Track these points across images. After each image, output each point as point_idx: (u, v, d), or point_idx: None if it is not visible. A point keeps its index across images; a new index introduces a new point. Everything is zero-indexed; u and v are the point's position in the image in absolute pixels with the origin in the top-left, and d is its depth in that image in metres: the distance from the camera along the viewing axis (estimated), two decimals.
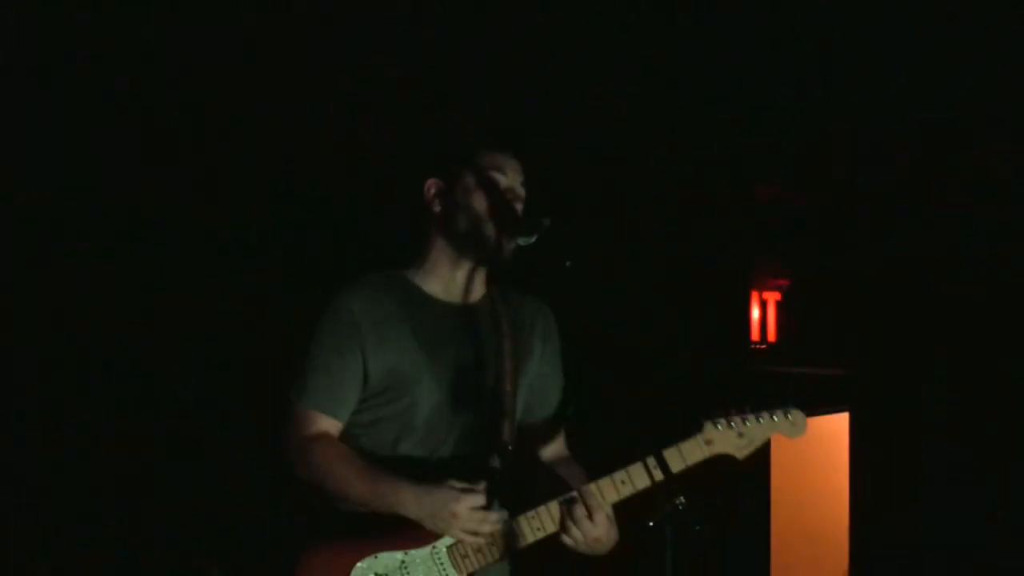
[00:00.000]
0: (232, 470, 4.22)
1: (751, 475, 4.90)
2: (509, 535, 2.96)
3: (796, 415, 3.03)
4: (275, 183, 4.40)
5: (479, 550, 2.97)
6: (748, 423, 3.00)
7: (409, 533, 2.96)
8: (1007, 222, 5.27)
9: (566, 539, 2.92)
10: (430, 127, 4.37)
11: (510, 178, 3.10)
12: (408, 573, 2.95)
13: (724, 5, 4.75)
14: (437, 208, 3.13)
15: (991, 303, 5.29)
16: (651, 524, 2.88)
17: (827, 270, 5.63)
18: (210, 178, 4.35)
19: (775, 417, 3.02)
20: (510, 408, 3.08)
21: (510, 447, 3.07)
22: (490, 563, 2.99)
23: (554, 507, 2.95)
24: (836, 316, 5.56)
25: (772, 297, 5.74)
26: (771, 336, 5.74)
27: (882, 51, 4.81)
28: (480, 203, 3.06)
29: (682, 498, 2.86)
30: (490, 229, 3.04)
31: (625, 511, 2.97)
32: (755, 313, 5.68)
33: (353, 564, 2.95)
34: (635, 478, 2.94)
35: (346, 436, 3.08)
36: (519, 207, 3.09)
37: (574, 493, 2.92)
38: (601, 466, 3.02)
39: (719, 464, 3.00)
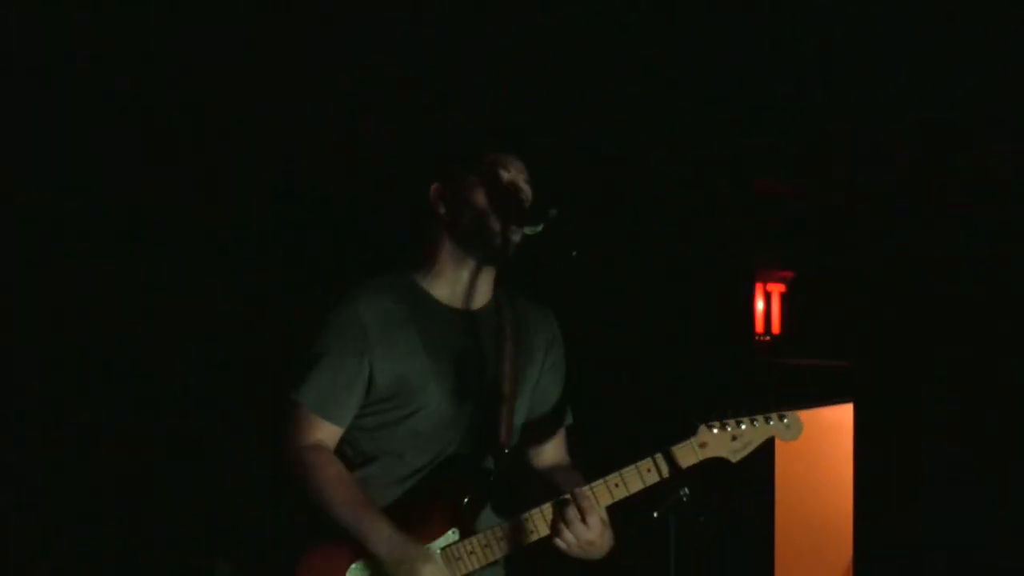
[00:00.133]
0: (232, 470, 4.21)
1: (755, 466, 4.90)
2: (503, 538, 2.96)
3: (792, 418, 3.02)
4: (275, 183, 4.40)
5: (472, 552, 2.96)
6: (743, 426, 2.99)
7: (408, 533, 2.96)
8: (1007, 222, 5.27)
9: (559, 542, 2.91)
10: (431, 127, 4.37)
11: (512, 174, 3.10)
12: (412, 543, 2.95)
13: (724, 5, 4.75)
14: (442, 210, 3.13)
15: (991, 303, 5.29)
16: (655, 515, 2.86)
17: (830, 263, 5.62)
18: (210, 178, 4.35)
19: (770, 420, 3.01)
20: (508, 411, 3.08)
21: (506, 450, 3.06)
22: (484, 566, 2.99)
23: (547, 509, 2.95)
24: (841, 308, 5.56)
25: (776, 289, 5.74)
26: (775, 328, 5.73)
27: (882, 51, 4.81)
28: (483, 198, 3.06)
29: (686, 489, 2.86)
30: (495, 222, 3.04)
31: (628, 502, 2.96)
32: (759, 305, 5.67)
33: (349, 564, 2.96)
34: (628, 481, 2.94)
35: (350, 440, 3.07)
36: (523, 201, 3.08)
37: (567, 495, 2.91)
38: (601, 465, 3.02)
39: (719, 462, 3.00)
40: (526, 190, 3.10)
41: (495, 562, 3.01)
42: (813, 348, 5.64)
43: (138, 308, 4.25)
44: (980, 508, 5.18)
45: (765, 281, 5.69)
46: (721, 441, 2.99)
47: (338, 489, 2.96)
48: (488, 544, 2.97)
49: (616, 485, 2.93)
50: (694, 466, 2.98)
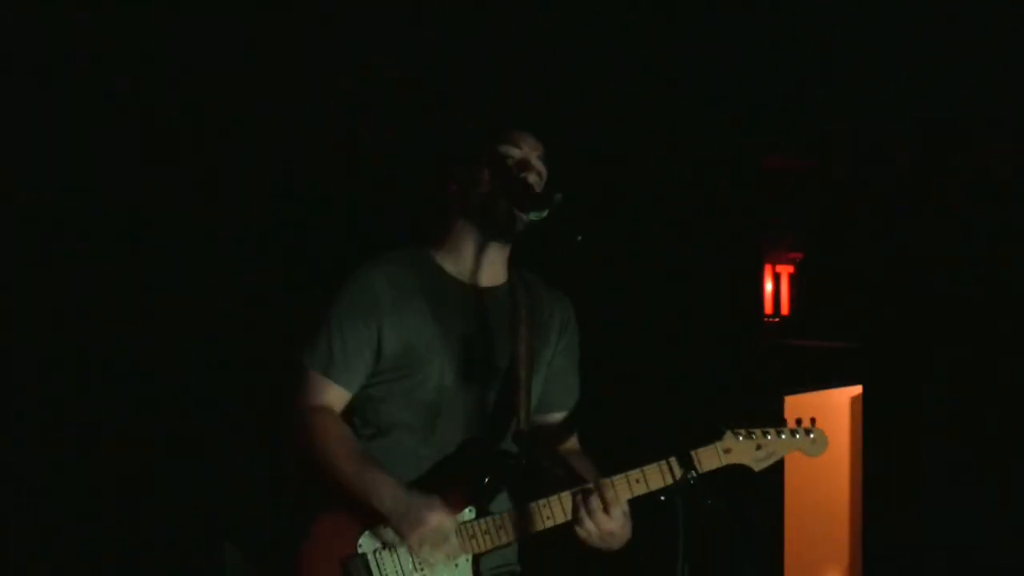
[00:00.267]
0: (232, 470, 4.22)
1: None
2: (519, 521, 2.97)
3: (818, 433, 3.05)
4: (275, 183, 4.40)
5: (487, 532, 2.97)
6: (769, 436, 3.01)
7: None
8: (1007, 222, 5.27)
9: (579, 531, 2.92)
10: (431, 127, 4.37)
11: (524, 151, 3.11)
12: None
13: (724, 5, 4.75)
14: (455, 187, 3.15)
15: (991, 303, 5.29)
16: (662, 498, 2.89)
17: (839, 245, 5.62)
18: (210, 178, 4.35)
19: (797, 434, 3.03)
20: (526, 395, 3.09)
21: (526, 434, 3.08)
22: (497, 546, 3.00)
23: (566, 498, 2.95)
24: (849, 289, 5.55)
25: (785, 270, 5.74)
26: (784, 309, 5.74)
27: (882, 51, 4.81)
28: (492, 178, 3.07)
29: (694, 472, 2.87)
30: (502, 204, 3.05)
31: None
32: (768, 286, 5.68)
33: (360, 533, 2.96)
34: (650, 478, 2.94)
35: (359, 411, 3.08)
36: (535, 180, 3.09)
37: (590, 485, 2.92)
38: (616, 453, 3.03)
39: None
40: (538, 167, 3.11)
41: (508, 543, 3.01)
42: (822, 329, 5.63)
43: (138, 308, 4.25)
44: (980, 508, 5.18)
45: (774, 263, 5.69)
46: (746, 449, 3.00)
47: (341, 447, 2.97)
48: (503, 526, 2.98)
49: (637, 481, 2.94)
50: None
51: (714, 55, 4.80)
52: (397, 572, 2.96)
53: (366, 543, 2.97)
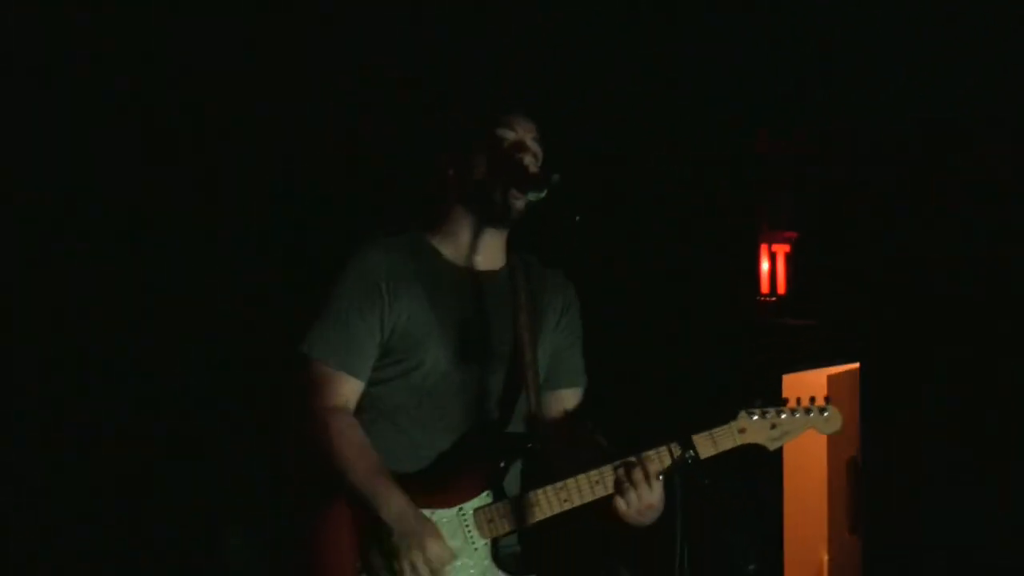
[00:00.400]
0: (232, 470, 4.22)
1: None
2: (538, 504, 2.98)
3: (831, 411, 3.04)
4: (275, 183, 4.40)
5: (504, 516, 2.98)
6: (783, 415, 3.01)
7: (439, 494, 2.98)
8: (1007, 222, 5.28)
9: (619, 502, 2.92)
10: (430, 127, 4.37)
11: (519, 133, 3.11)
12: (426, 518, 2.96)
13: (724, 5, 4.75)
14: (451, 171, 3.15)
15: (991, 303, 5.30)
16: (659, 477, 2.91)
17: (835, 223, 5.62)
18: (210, 178, 4.35)
19: (811, 412, 3.03)
20: (534, 378, 3.10)
21: (538, 416, 3.09)
22: (514, 530, 3.00)
23: (583, 480, 2.95)
24: (846, 269, 5.55)
25: (781, 249, 5.73)
26: (781, 288, 5.73)
27: (882, 51, 4.81)
28: (487, 161, 3.08)
29: (692, 451, 2.88)
30: (500, 187, 3.05)
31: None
32: (764, 265, 5.67)
33: (360, 545, 2.96)
34: (663, 458, 2.95)
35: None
36: (531, 162, 3.09)
37: (631, 458, 2.93)
38: (617, 432, 3.03)
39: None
40: (534, 148, 3.11)
41: (525, 527, 3.02)
42: (818, 309, 5.62)
43: (138, 308, 4.25)
44: (980, 508, 5.18)
45: (770, 242, 5.68)
46: (760, 428, 3.00)
47: (360, 457, 2.96)
48: (520, 509, 2.98)
49: (652, 460, 2.95)
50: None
51: (714, 55, 4.80)
52: None
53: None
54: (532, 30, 4.57)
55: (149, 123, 4.25)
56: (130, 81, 4.22)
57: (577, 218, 2.94)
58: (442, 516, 2.98)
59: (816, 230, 5.68)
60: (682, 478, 2.84)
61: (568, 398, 3.24)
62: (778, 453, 3.08)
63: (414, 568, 2.89)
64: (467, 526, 2.98)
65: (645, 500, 2.92)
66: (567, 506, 2.98)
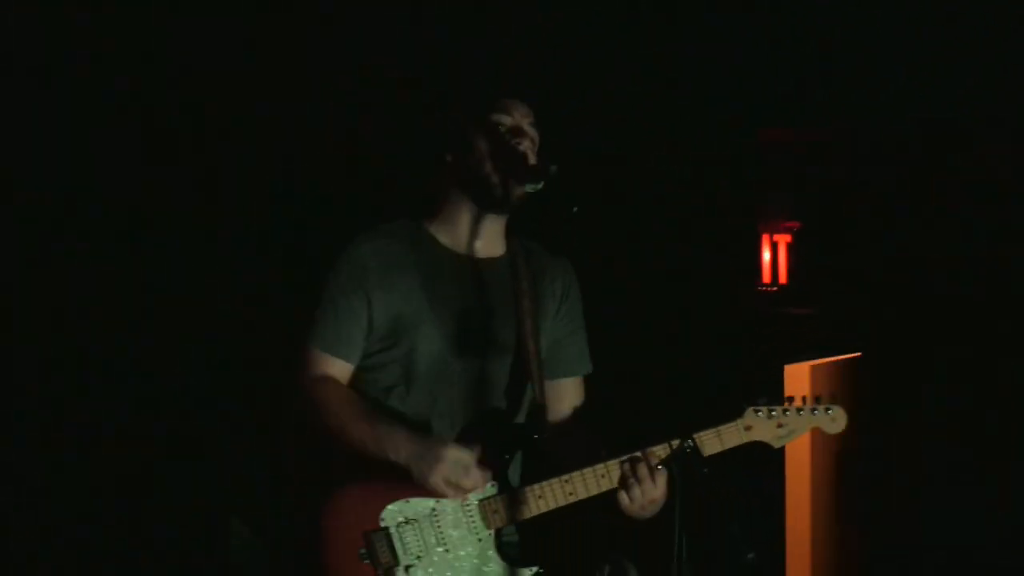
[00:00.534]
0: (232, 470, 4.22)
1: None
2: (541, 497, 2.99)
3: (837, 411, 3.05)
4: (275, 183, 4.40)
5: (509, 507, 2.99)
6: (788, 414, 3.03)
7: None
8: (1007, 222, 5.27)
9: (623, 497, 2.94)
10: (430, 127, 4.37)
11: (515, 118, 3.11)
12: (437, 521, 2.97)
13: (724, 5, 4.75)
14: (449, 158, 3.15)
15: (991, 303, 5.29)
16: (659, 467, 2.93)
17: (836, 214, 5.61)
18: (210, 178, 4.35)
19: (816, 411, 3.04)
20: (537, 368, 3.10)
21: (543, 408, 3.09)
22: (519, 520, 3.01)
23: (589, 474, 2.96)
24: (847, 259, 5.55)
25: (783, 239, 5.73)
26: (782, 278, 5.73)
27: (882, 51, 4.81)
28: (485, 149, 3.08)
29: (690, 441, 2.89)
30: (496, 175, 3.05)
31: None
32: (766, 255, 5.67)
33: (384, 506, 2.97)
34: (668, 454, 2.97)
35: (355, 384, 3.09)
36: (528, 146, 3.09)
37: (638, 453, 2.95)
38: (620, 426, 3.04)
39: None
40: (531, 133, 3.11)
41: (529, 518, 3.02)
42: (820, 298, 5.61)
43: (138, 308, 4.25)
44: (980, 508, 5.18)
45: (771, 232, 5.68)
46: (766, 426, 3.02)
47: (349, 409, 3.00)
48: (525, 501, 2.99)
49: (658, 456, 2.96)
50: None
51: (714, 55, 4.80)
52: (420, 546, 2.97)
53: (388, 517, 2.97)
54: (532, 30, 4.57)
55: (149, 123, 4.25)
56: (130, 81, 4.22)
57: (575, 209, 2.95)
58: (446, 505, 2.98)
59: (816, 227, 5.68)
60: (680, 467, 2.85)
61: (567, 388, 3.24)
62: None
63: (445, 481, 2.91)
64: (471, 516, 2.99)
65: (649, 495, 2.94)
66: (572, 499, 2.99)
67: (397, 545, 2.96)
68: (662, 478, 2.94)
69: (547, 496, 2.99)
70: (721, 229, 5.11)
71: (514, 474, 3.09)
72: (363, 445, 2.96)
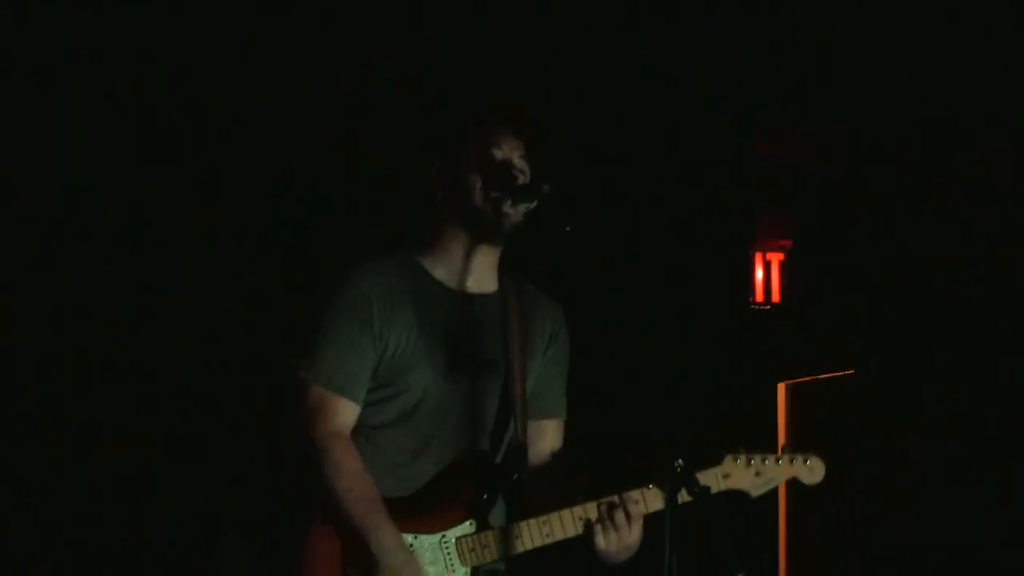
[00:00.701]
0: (232, 470, 4.22)
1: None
2: (518, 536, 2.99)
3: (815, 462, 3.08)
4: (275, 183, 4.40)
5: (487, 546, 2.99)
6: (767, 463, 3.04)
7: (422, 519, 2.99)
8: (1007, 222, 5.27)
9: (599, 540, 2.95)
10: (430, 127, 4.37)
11: (505, 151, 3.10)
12: (414, 555, 2.96)
13: (724, 5, 4.75)
14: (440, 192, 3.14)
15: (991, 303, 5.29)
16: (650, 486, 2.94)
17: (830, 232, 5.62)
18: (210, 178, 4.35)
19: (795, 461, 3.06)
20: (522, 409, 3.09)
21: (524, 448, 3.09)
22: (495, 559, 3.01)
23: (566, 516, 2.96)
24: (840, 279, 5.55)
25: (776, 258, 5.75)
26: (775, 297, 5.74)
27: (882, 51, 4.81)
28: (476, 176, 3.07)
29: (681, 461, 2.88)
30: (490, 201, 3.04)
31: (623, 475, 2.99)
32: (759, 274, 5.69)
33: (352, 560, 2.96)
34: (648, 499, 2.97)
35: None
36: (519, 177, 3.08)
37: (615, 498, 2.96)
38: (609, 447, 3.02)
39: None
40: (520, 165, 3.10)
41: (506, 557, 3.02)
42: (813, 317, 5.62)
43: (138, 308, 4.25)
44: (980, 508, 5.18)
45: (764, 250, 5.69)
46: (744, 475, 3.04)
47: (355, 485, 2.95)
48: (502, 540, 2.99)
49: (636, 502, 2.96)
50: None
51: (714, 55, 4.80)
52: None
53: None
54: (532, 30, 4.57)
55: (149, 123, 4.25)
56: (130, 81, 4.21)
57: (567, 229, 2.94)
58: (424, 541, 2.98)
59: (815, 229, 5.68)
60: (671, 486, 2.84)
61: (549, 429, 3.23)
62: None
63: None
64: (448, 553, 2.99)
65: (624, 541, 2.95)
66: (549, 540, 3.00)
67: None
68: (638, 525, 2.95)
69: (524, 536, 2.99)
70: (714, 248, 5.11)
71: (495, 513, 3.08)
72: (348, 519, 2.93)
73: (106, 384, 4.22)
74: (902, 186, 5.45)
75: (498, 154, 3.09)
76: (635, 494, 2.96)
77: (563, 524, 2.98)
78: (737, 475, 3.03)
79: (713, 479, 3.01)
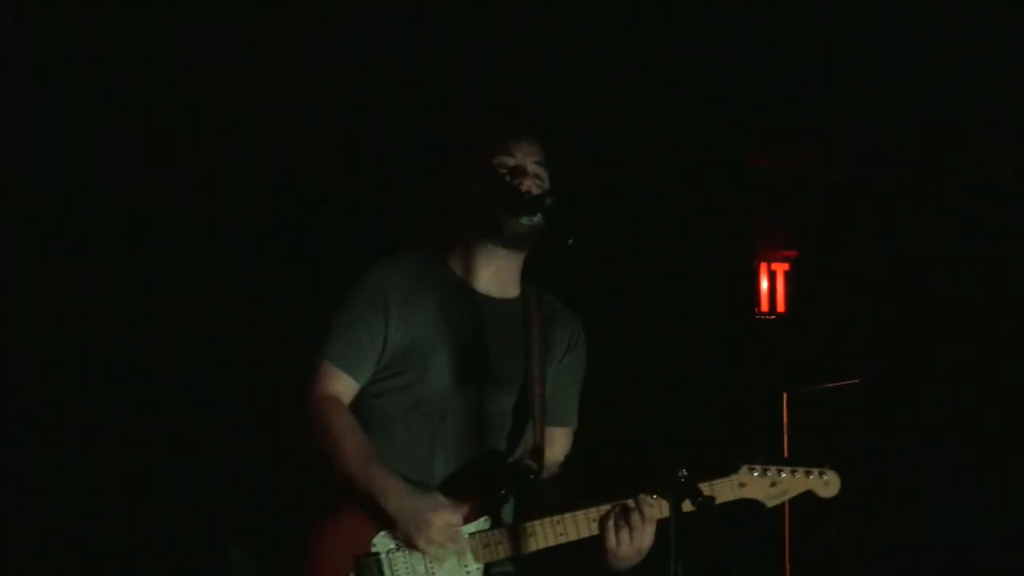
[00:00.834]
0: (232, 470, 4.22)
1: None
2: (533, 535, 3.00)
3: (830, 476, 3.09)
4: (275, 183, 4.40)
5: (500, 543, 3.00)
6: (783, 475, 3.06)
7: None
8: (1007, 222, 5.28)
9: (612, 540, 2.95)
10: (431, 127, 4.38)
11: (518, 158, 3.10)
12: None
13: (724, 5, 4.75)
14: (450, 197, 3.15)
15: (991, 303, 5.30)
16: (654, 496, 2.94)
17: (836, 244, 5.63)
18: (210, 178, 4.35)
19: (811, 474, 3.07)
20: (540, 412, 3.10)
21: (541, 449, 3.10)
22: (509, 556, 3.01)
23: (581, 517, 2.98)
24: (846, 287, 5.56)
25: (781, 268, 5.75)
26: (780, 307, 5.75)
27: (882, 51, 4.81)
28: (483, 185, 3.08)
29: (684, 471, 2.89)
30: (493, 210, 3.05)
31: (627, 483, 3.00)
32: (764, 284, 5.70)
33: (376, 532, 2.97)
34: (664, 505, 2.97)
35: (359, 408, 3.08)
36: (530, 184, 3.08)
37: (630, 500, 2.96)
38: (614, 454, 3.01)
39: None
40: (535, 171, 3.11)
41: (519, 555, 3.02)
42: (818, 327, 5.63)
43: (138, 308, 4.25)
44: (980, 508, 5.18)
45: (769, 261, 5.70)
46: (760, 485, 3.05)
47: (349, 439, 2.96)
48: (517, 538, 2.99)
49: (651, 505, 2.98)
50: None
51: (714, 55, 4.80)
52: (408, 574, 2.97)
53: (380, 543, 2.97)
54: (532, 30, 4.57)
55: (149, 123, 4.25)
56: (130, 81, 4.22)
57: (570, 241, 2.94)
58: None
59: (817, 231, 5.69)
60: (675, 496, 2.85)
61: (558, 436, 3.24)
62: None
63: (431, 543, 2.91)
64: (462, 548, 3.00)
65: (636, 543, 2.95)
66: (562, 540, 3.00)
67: (386, 572, 2.96)
68: (652, 528, 2.95)
69: (538, 535, 3.00)
70: (719, 257, 5.12)
71: (508, 511, 3.09)
72: (353, 480, 2.94)
73: (106, 384, 4.22)
74: (902, 186, 5.45)
75: (510, 161, 3.10)
76: (650, 498, 2.97)
77: (577, 524, 2.99)
78: (753, 485, 3.04)
79: (729, 487, 3.02)
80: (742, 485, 3.03)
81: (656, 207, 4.92)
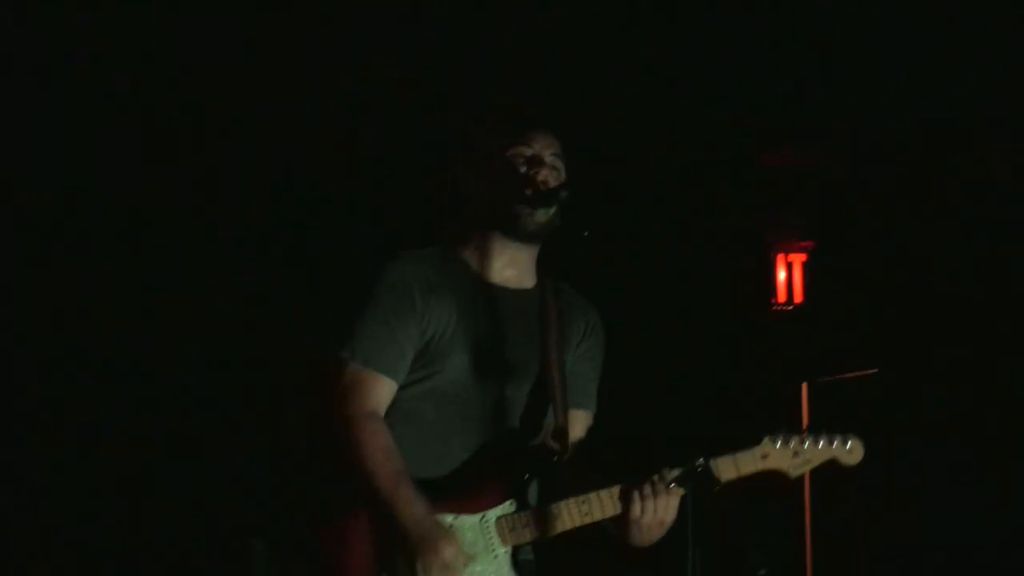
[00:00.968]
0: (232, 470, 4.22)
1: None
2: (559, 516, 2.99)
3: (854, 443, 3.05)
4: (275, 183, 4.41)
5: (526, 525, 2.99)
6: (806, 444, 3.03)
7: (462, 500, 2.99)
8: (1007, 222, 5.27)
9: (636, 510, 2.93)
10: (430, 127, 4.38)
11: (536, 148, 3.10)
12: (456, 536, 2.96)
13: (724, 5, 4.75)
14: (468, 186, 3.15)
15: (991, 303, 5.30)
16: (671, 485, 2.92)
17: (850, 233, 5.63)
18: (210, 178, 4.35)
19: (834, 442, 3.05)
20: (562, 397, 3.11)
21: (565, 432, 3.10)
22: (535, 539, 3.02)
23: (605, 496, 2.97)
24: (862, 278, 5.56)
25: (798, 259, 5.76)
26: (797, 297, 5.75)
27: (882, 51, 4.81)
28: (499, 176, 3.07)
29: (701, 460, 2.88)
30: (508, 202, 3.05)
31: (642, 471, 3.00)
32: (781, 275, 5.70)
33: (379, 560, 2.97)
34: (684, 478, 2.98)
35: None
36: (546, 175, 3.07)
37: (654, 476, 2.95)
38: (634, 445, 3.00)
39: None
40: (551, 163, 3.10)
41: (546, 537, 3.03)
42: (835, 317, 5.63)
43: (138, 308, 4.26)
44: (980, 508, 5.18)
45: (786, 251, 5.71)
46: (783, 455, 3.02)
47: (385, 463, 2.93)
48: (543, 520, 2.99)
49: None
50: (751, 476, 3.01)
51: (714, 55, 4.80)
52: None
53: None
54: (532, 30, 4.57)
55: (149, 123, 4.26)
56: (130, 81, 4.22)
57: (585, 233, 2.95)
58: (464, 522, 2.98)
59: (821, 230, 5.69)
60: (693, 485, 2.85)
61: (576, 419, 3.23)
62: None
63: (427, 570, 2.90)
64: (489, 533, 2.99)
65: (660, 515, 2.93)
66: (587, 520, 2.99)
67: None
68: (676, 500, 2.93)
69: (563, 516, 2.99)
70: (728, 231, 5.13)
71: (532, 494, 3.09)
72: (375, 494, 2.91)
73: (106, 384, 4.22)
74: (902, 186, 5.45)
75: (527, 151, 3.09)
76: (674, 471, 2.96)
77: (602, 503, 2.98)
78: (776, 456, 3.01)
79: (752, 459, 2.99)
80: (765, 456, 3.00)
81: (664, 205, 4.92)
